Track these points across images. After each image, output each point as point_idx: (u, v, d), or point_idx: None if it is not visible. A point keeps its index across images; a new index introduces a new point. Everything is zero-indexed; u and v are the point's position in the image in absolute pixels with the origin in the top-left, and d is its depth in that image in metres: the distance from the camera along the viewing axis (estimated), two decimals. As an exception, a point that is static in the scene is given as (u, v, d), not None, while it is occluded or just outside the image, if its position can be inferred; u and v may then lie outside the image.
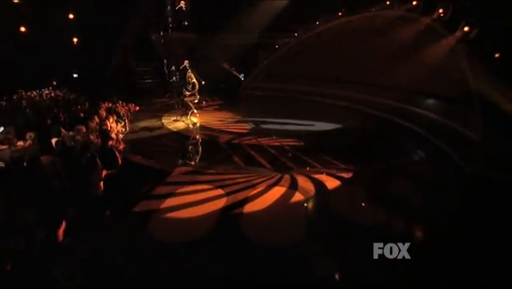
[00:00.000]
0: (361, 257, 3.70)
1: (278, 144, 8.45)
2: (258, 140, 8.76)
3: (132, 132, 9.66)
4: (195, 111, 11.14)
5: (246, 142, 8.61)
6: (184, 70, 12.90)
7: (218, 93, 16.10)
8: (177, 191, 5.68)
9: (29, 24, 16.25)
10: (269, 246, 4.19)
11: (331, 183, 5.97)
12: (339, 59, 13.07)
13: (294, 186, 5.85)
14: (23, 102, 10.21)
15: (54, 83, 15.62)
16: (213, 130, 10.07)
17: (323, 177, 6.20)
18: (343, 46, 12.96)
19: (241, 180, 6.14)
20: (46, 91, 12.00)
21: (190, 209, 5.14)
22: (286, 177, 6.26)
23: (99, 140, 6.26)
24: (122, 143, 7.64)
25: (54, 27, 16.53)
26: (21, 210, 3.76)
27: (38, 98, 11.51)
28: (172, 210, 5.10)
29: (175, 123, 10.85)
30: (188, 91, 10.77)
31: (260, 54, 17.95)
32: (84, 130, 6.72)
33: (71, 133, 6.62)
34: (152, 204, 5.25)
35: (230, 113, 12.41)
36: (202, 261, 3.94)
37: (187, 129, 10.20)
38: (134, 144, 8.31)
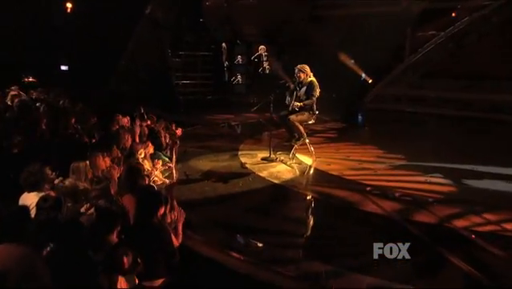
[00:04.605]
0: None
1: None
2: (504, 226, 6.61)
3: (184, 180, 8.60)
4: (307, 141, 9.82)
5: (471, 227, 6.51)
6: (259, 61, 13.80)
7: (326, 107, 14.69)
8: None
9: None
10: None
11: None
12: None
13: None
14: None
15: (31, 79, 15.46)
16: (357, 187, 8.40)
17: None
18: None
19: None
20: (13, 92, 11.26)
21: None
22: None
23: (129, 202, 5.54)
24: (176, 209, 6.02)
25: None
26: None
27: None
28: None
29: (267, 165, 9.84)
30: (301, 99, 9.44)
31: (409, 35, 17.16)
32: (90, 173, 6.35)
33: (67, 181, 5.75)
34: None
35: (372, 149, 11.77)
36: None
37: (299, 181, 9.02)
38: (195, 210, 6.86)
